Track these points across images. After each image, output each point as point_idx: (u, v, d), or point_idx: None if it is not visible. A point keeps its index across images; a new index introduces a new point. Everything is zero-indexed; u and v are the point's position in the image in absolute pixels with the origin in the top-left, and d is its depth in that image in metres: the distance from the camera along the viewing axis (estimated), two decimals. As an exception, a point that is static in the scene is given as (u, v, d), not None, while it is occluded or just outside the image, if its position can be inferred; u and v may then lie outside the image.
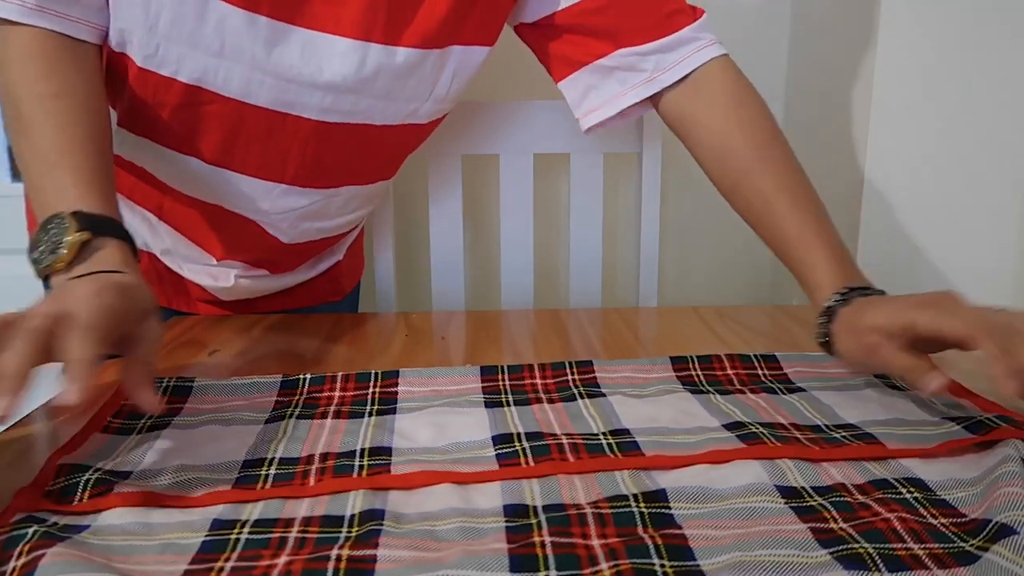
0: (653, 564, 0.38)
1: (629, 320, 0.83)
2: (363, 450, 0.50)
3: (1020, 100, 0.96)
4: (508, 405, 0.58)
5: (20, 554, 0.37)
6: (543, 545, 0.39)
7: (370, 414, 0.56)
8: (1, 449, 0.51)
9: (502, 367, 0.64)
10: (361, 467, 0.48)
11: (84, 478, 0.46)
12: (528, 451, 0.49)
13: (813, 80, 1.12)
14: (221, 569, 0.38)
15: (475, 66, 0.75)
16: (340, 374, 0.63)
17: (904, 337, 0.53)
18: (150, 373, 0.50)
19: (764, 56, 1.23)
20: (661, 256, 1.09)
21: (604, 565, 0.37)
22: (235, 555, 0.39)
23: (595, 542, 0.40)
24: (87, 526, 0.42)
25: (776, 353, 0.66)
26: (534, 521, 0.42)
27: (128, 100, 0.68)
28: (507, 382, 0.62)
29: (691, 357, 0.65)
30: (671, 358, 0.65)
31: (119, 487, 0.45)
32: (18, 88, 0.59)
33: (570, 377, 0.62)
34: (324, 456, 0.50)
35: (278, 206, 0.74)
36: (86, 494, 0.45)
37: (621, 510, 0.43)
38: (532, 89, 1.21)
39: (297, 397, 0.59)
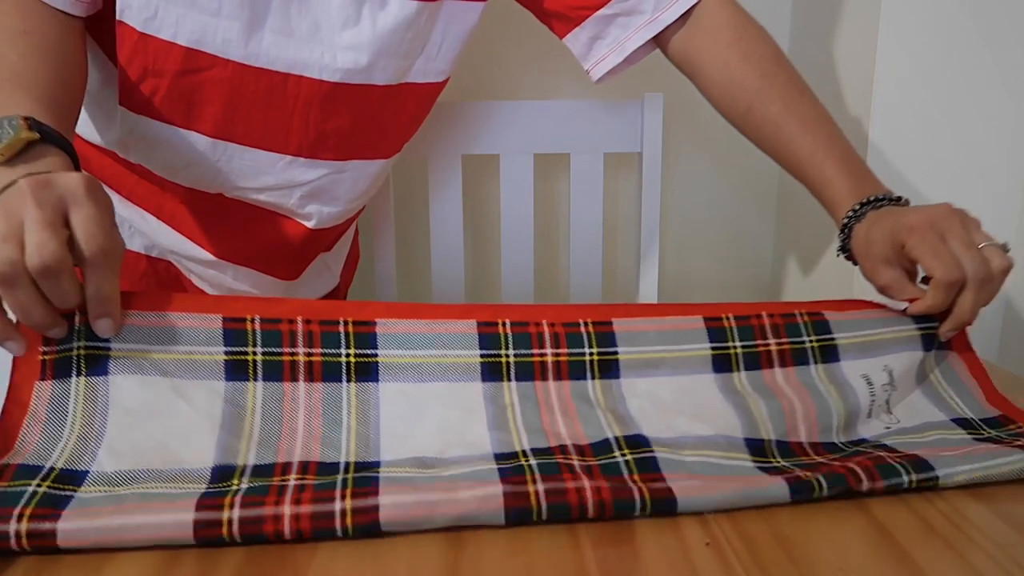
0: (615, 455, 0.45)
1: (629, 320, 0.82)
2: (347, 464, 0.46)
3: (1022, 97, 0.96)
4: (508, 380, 0.51)
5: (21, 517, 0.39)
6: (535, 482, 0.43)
7: (348, 379, 0.50)
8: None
9: (503, 323, 0.54)
10: (345, 481, 0.43)
11: (29, 490, 0.41)
12: (535, 468, 0.45)
13: (813, 80, 1.12)
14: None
15: (466, 27, 0.75)
16: (300, 319, 0.51)
17: (898, 254, 0.59)
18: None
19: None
20: (661, 256, 1.09)
21: (586, 483, 0.43)
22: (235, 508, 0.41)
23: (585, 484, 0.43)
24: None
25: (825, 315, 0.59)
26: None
27: (130, 73, 0.68)
28: (508, 328, 0.53)
29: (727, 316, 0.57)
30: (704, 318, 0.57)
31: (69, 516, 0.40)
32: None
33: (583, 328, 0.54)
34: (304, 466, 0.45)
35: (283, 179, 0.73)
36: (24, 525, 0.39)
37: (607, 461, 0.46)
38: (532, 89, 1.21)
39: (252, 355, 0.50)
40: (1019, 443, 0.50)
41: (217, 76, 0.67)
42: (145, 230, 0.79)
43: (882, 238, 0.60)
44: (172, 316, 0.49)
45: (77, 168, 0.53)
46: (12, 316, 0.46)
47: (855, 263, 0.65)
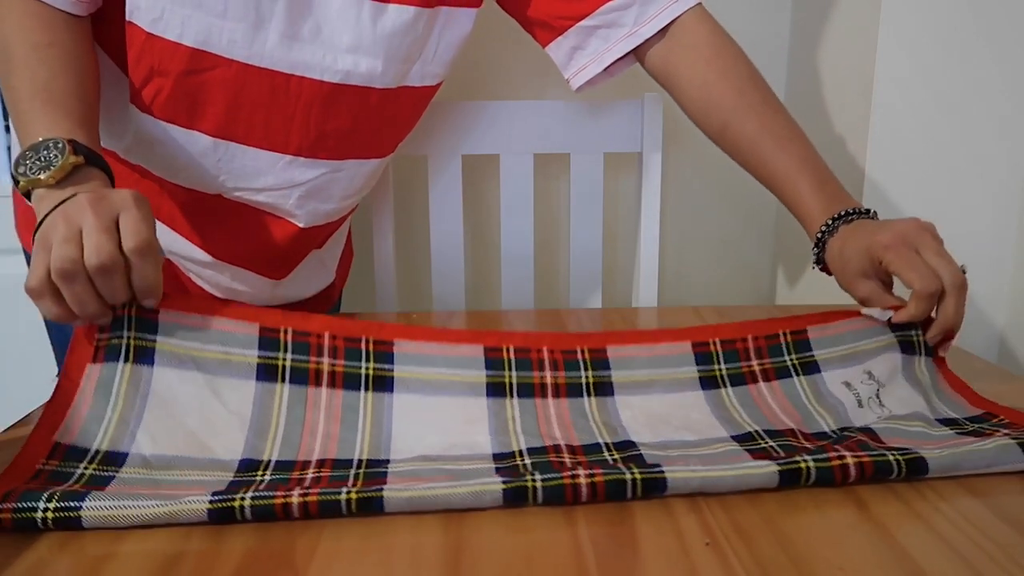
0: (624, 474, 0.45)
1: (629, 320, 0.83)
2: (360, 460, 0.50)
3: (1022, 97, 0.96)
4: (511, 397, 0.56)
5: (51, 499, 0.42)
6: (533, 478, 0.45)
7: (366, 388, 0.55)
8: (1, 449, 0.51)
9: (507, 348, 0.60)
10: (357, 475, 0.48)
11: (78, 472, 0.46)
12: (530, 467, 0.48)
13: (813, 80, 1.12)
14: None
15: (461, 33, 0.77)
16: (327, 335, 0.58)
17: (875, 269, 0.62)
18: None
19: (763, 55, 1.22)
20: (661, 256, 1.09)
21: (581, 473, 0.44)
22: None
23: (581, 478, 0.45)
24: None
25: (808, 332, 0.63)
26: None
27: (137, 74, 0.68)
28: (511, 354, 0.59)
29: (714, 342, 0.62)
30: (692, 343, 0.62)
31: (97, 494, 0.44)
32: (13, 36, 0.63)
33: (579, 355, 0.60)
34: (320, 463, 0.50)
35: (283, 179, 0.74)
36: (53, 503, 0.42)
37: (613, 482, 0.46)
38: (532, 89, 1.21)
39: (282, 360, 0.56)
40: (1000, 433, 0.50)
41: (221, 76, 0.68)
42: None
43: (858, 255, 0.63)
44: (215, 320, 0.56)
45: (112, 185, 0.59)
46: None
47: (830, 274, 0.68)
